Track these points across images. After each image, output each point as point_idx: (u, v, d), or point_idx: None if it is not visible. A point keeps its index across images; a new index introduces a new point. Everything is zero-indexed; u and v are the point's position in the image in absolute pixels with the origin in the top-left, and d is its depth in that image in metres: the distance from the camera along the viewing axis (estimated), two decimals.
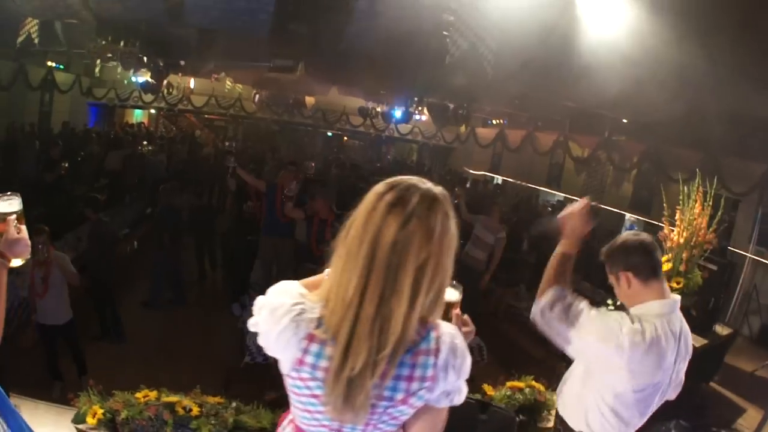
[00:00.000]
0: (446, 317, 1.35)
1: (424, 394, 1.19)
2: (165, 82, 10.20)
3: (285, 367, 1.20)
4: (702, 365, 4.10)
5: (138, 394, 2.96)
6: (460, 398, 1.25)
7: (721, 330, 4.63)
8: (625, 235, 1.90)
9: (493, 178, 14.75)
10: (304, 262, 5.57)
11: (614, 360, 1.72)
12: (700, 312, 3.92)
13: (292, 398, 1.26)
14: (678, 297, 1.85)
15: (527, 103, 9.44)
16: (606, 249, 1.87)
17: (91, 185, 6.71)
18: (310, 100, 13.17)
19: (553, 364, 4.37)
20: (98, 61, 8.54)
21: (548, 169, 11.87)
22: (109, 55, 6.85)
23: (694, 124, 6.13)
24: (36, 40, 6.99)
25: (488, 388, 3.47)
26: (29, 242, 1.61)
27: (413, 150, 20.48)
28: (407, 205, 1.10)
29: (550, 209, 10.19)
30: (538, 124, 12.06)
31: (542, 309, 1.82)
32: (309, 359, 1.15)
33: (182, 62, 8.31)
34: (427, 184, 1.16)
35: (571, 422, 1.91)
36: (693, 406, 3.96)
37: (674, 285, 3.54)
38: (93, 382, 3.08)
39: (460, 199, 6.64)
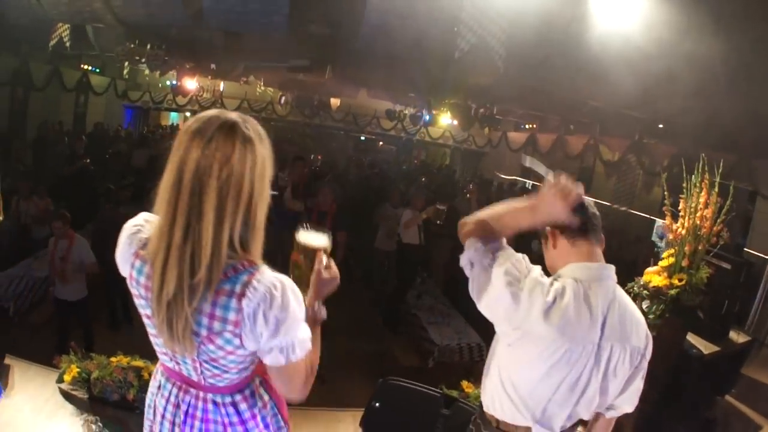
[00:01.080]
0: (310, 262, 1.39)
1: (232, 339, 1.20)
2: (196, 84, 10.49)
3: (129, 279, 1.30)
4: (713, 375, 3.79)
5: (113, 359, 3.12)
6: (296, 355, 1.23)
7: (738, 337, 4.25)
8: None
9: (524, 182, 14.43)
10: None
11: (512, 313, 1.52)
12: (708, 315, 3.63)
13: (144, 319, 1.33)
14: (611, 266, 1.63)
15: (553, 104, 9.19)
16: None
17: (118, 181, 6.93)
18: (335, 101, 13.24)
19: None
20: (126, 64, 8.87)
21: (578, 173, 11.51)
22: (137, 57, 7.11)
23: (725, 125, 5.80)
24: (68, 44, 7.32)
25: (466, 385, 3.34)
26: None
27: (446, 154, 20.32)
28: (206, 132, 1.15)
29: None
30: (570, 127, 11.74)
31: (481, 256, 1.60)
32: (134, 274, 1.26)
33: (213, 66, 8.52)
34: (228, 114, 1.20)
35: (485, 403, 1.74)
36: (703, 421, 3.68)
37: (675, 282, 3.31)
38: (74, 344, 3.33)
39: (472, 196, 6.63)
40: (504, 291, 1.52)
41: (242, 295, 1.17)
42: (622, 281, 1.71)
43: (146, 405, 1.49)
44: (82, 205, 6.66)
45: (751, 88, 5.42)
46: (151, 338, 1.34)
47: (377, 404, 3.18)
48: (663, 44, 5.30)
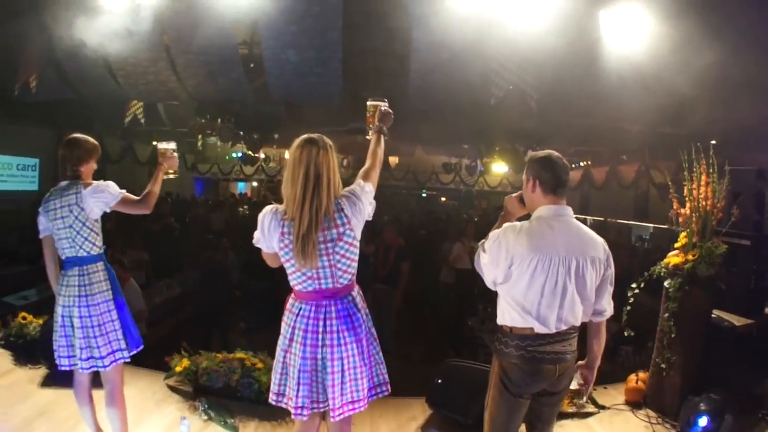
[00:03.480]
0: (374, 109, 2.62)
1: (350, 232, 2.17)
2: (262, 154, 11.71)
3: (275, 245, 2.17)
4: (752, 349, 3.99)
5: (218, 355, 3.84)
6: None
7: None
8: (550, 152, 2.33)
9: (585, 219, 14.57)
10: (374, 284, 6.35)
11: (500, 250, 2.21)
12: (732, 288, 3.89)
13: (287, 267, 2.20)
14: (569, 208, 2.28)
15: (596, 136, 9.65)
16: (531, 155, 2.36)
17: (200, 241, 8.05)
18: (393, 160, 14.27)
19: None
20: (200, 137, 10.11)
21: (634, 202, 11.65)
22: (209, 131, 8.30)
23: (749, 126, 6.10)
24: (142, 120, 8.57)
25: None
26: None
27: None
28: (312, 144, 2.14)
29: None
30: (623, 157, 12.03)
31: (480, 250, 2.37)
32: (285, 230, 2.14)
33: (276, 135, 9.74)
34: (313, 135, 2.19)
35: (499, 320, 2.33)
36: (750, 396, 3.85)
37: (690, 258, 3.71)
38: (185, 344, 3.97)
39: None
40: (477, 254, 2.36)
41: (341, 209, 2.15)
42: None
43: (282, 336, 2.28)
44: (167, 257, 7.78)
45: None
46: (292, 276, 2.21)
47: (439, 381, 3.76)
48: (679, 61, 5.76)
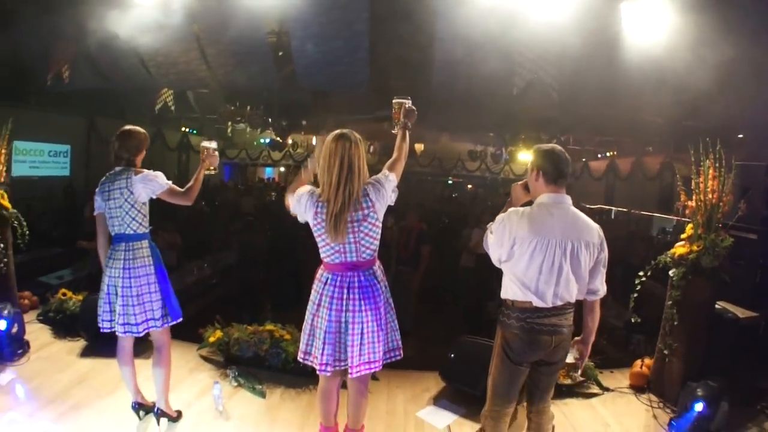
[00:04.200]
0: (400, 107, 2.87)
1: (374, 214, 2.53)
2: (290, 140, 12.00)
3: (310, 220, 2.56)
4: (755, 341, 4.09)
5: (249, 327, 4.21)
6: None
7: None
8: (553, 146, 2.57)
9: (609, 210, 14.52)
10: (396, 266, 6.63)
11: (504, 232, 2.46)
12: (738, 281, 3.99)
13: (318, 241, 2.58)
14: (568, 197, 2.51)
15: (618, 127, 9.66)
16: (536, 147, 2.61)
17: (231, 223, 8.40)
18: (418, 147, 14.44)
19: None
20: (229, 123, 10.43)
21: (659, 193, 11.58)
22: (238, 118, 8.61)
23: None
24: (172, 108, 8.87)
25: None
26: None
27: None
28: (345, 138, 2.53)
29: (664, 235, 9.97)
30: (648, 149, 11.97)
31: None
32: (319, 210, 2.52)
33: (303, 122, 10.02)
34: (344, 130, 2.57)
35: (503, 295, 2.58)
36: (750, 388, 3.96)
37: (694, 248, 3.85)
38: (219, 317, 4.35)
39: None
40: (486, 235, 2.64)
41: (367, 195, 2.51)
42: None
43: (311, 302, 2.67)
44: (198, 240, 8.21)
45: None
46: (322, 249, 2.60)
47: (453, 356, 4.02)
48: (698, 55, 5.77)
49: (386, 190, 2.57)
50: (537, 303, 2.45)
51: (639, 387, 4.18)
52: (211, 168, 3.25)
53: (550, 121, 9.41)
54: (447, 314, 8.08)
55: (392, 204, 2.63)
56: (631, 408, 3.93)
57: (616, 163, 13.09)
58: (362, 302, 2.57)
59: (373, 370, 2.63)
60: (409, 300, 6.59)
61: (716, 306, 4.10)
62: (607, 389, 4.15)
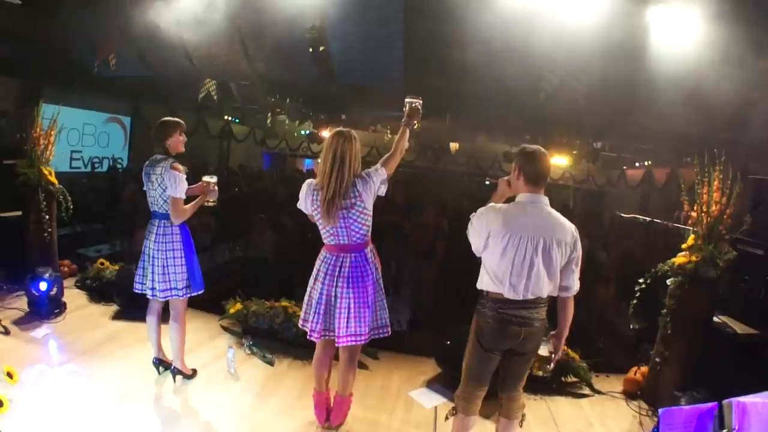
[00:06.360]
0: (409, 108, 3.16)
1: (360, 203, 2.86)
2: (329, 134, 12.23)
3: (309, 206, 2.92)
4: (755, 359, 4.05)
5: (266, 302, 4.60)
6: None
7: None
8: (537, 148, 2.71)
9: (644, 219, 14.27)
10: (413, 259, 6.88)
11: (481, 225, 2.66)
12: (743, 297, 4.00)
13: (318, 225, 2.93)
14: (543, 198, 2.67)
15: (654, 136, 9.54)
16: (522, 147, 2.76)
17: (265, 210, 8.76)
18: (454, 146, 14.51)
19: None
20: (269, 114, 10.76)
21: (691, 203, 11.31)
22: (278, 110, 8.90)
23: None
24: (215, 97, 9.19)
25: None
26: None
27: (569, 195, 20.36)
28: (341, 135, 2.87)
29: None
30: (686, 159, 11.70)
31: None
32: (315, 197, 2.89)
33: (343, 116, 10.26)
34: (343, 129, 2.92)
35: (479, 285, 2.75)
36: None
37: (693, 258, 3.92)
38: (240, 290, 4.72)
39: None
40: (476, 217, 2.76)
41: (355, 185, 2.83)
42: None
43: (311, 276, 3.05)
44: (233, 222, 8.64)
45: None
46: (321, 232, 2.96)
47: (448, 342, 4.24)
48: (730, 65, 5.69)
49: (374, 182, 2.88)
50: (508, 294, 2.61)
51: (631, 393, 4.25)
52: (210, 201, 3.61)
53: (583, 125, 9.37)
54: (464, 310, 8.23)
55: (382, 195, 2.95)
56: (618, 412, 4.01)
57: (651, 173, 12.87)
58: (351, 280, 2.93)
59: (358, 343, 2.95)
60: (427, 292, 6.83)
61: (715, 319, 4.13)
62: (598, 392, 4.25)
